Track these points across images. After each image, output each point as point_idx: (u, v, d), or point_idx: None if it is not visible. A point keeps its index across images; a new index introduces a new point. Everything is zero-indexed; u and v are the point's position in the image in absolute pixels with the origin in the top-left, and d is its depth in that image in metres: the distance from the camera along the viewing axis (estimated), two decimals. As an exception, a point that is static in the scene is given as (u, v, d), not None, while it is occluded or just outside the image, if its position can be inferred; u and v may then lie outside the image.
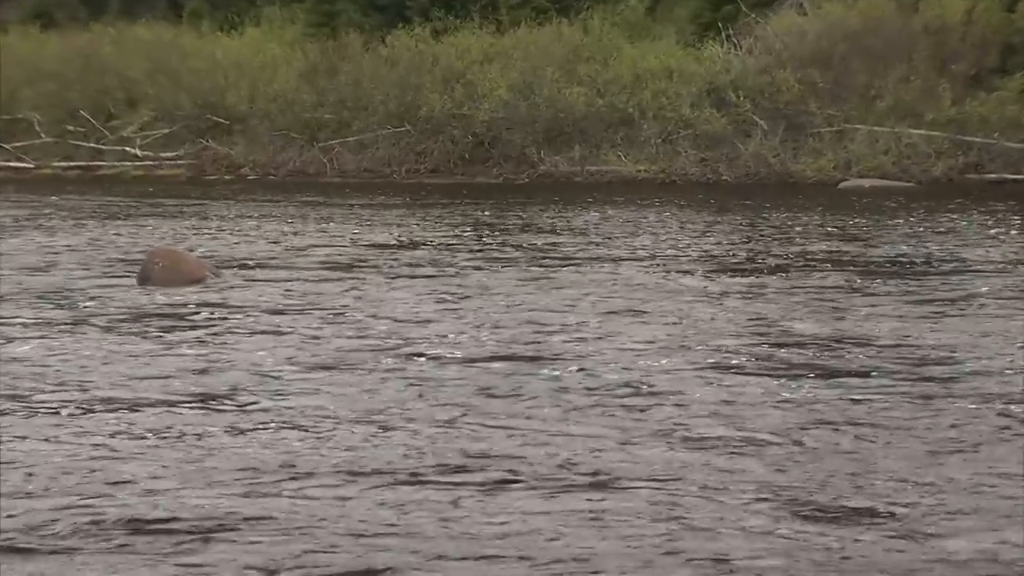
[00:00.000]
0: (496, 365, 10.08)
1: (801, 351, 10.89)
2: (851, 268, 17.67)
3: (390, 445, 7.44)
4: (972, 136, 37.44)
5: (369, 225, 24.21)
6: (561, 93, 40.01)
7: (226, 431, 7.79)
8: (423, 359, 10.24)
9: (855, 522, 6.01)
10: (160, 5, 52.52)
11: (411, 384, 9.22)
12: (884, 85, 38.46)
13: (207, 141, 42.93)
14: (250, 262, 17.89)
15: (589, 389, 9.10)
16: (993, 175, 36.65)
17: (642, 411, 8.46)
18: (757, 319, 12.85)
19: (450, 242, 20.66)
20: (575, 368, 9.91)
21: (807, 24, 40.92)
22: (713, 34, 42.16)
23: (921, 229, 23.33)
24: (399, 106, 41.29)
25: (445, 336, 11.48)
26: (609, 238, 22.43)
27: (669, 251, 20.34)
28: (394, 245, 20.47)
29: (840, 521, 6.04)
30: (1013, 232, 22.65)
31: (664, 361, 10.21)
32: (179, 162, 42.91)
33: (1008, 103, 37.31)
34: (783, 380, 9.43)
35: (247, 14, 49.36)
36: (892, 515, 6.09)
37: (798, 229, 23.52)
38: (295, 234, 22.49)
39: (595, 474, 6.84)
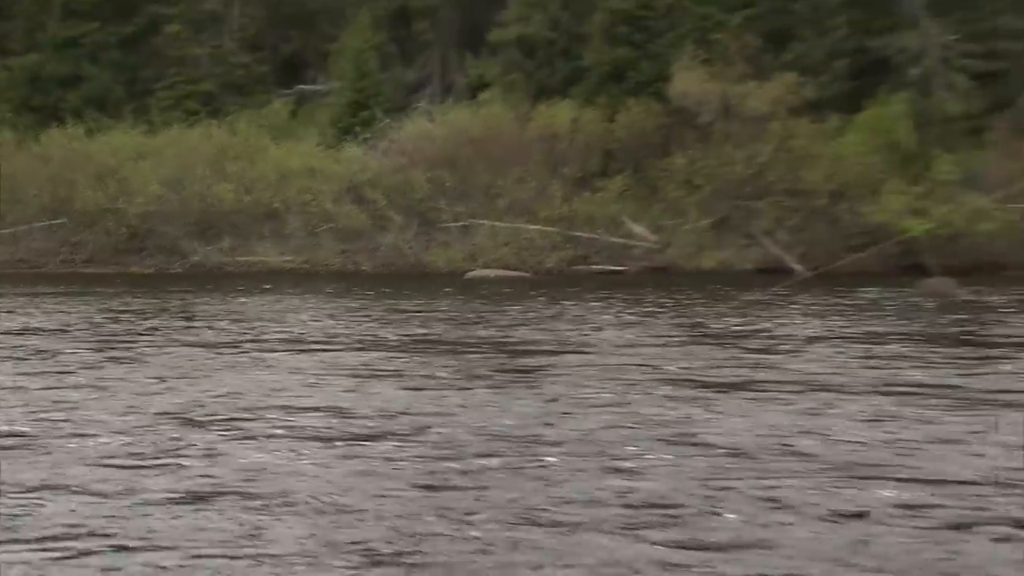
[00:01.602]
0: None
1: (332, 420, 10.63)
2: (445, 349, 17.61)
3: None
4: (580, 231, 38.26)
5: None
6: (211, 189, 39.89)
7: None
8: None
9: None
10: None
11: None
12: (504, 185, 39.24)
13: None
14: None
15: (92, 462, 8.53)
16: (597, 266, 37.74)
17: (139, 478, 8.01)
18: (316, 392, 12.44)
19: (74, 330, 19.62)
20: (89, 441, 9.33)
21: (436, 130, 41.74)
22: (351, 137, 42.76)
23: (529, 315, 23.50)
24: (53, 200, 40.24)
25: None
26: (233, 323, 21.78)
27: (281, 335, 19.91)
28: (13, 333, 19.11)
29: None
30: (605, 317, 23.04)
31: (180, 432, 9.88)
32: None
33: (610, 202, 38.43)
34: (299, 447, 9.21)
35: None
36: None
37: (419, 314, 23.59)
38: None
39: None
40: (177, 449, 9.16)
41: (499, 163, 39.89)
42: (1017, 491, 7.99)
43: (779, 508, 7.26)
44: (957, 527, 6.99)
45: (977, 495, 7.77)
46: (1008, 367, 15.05)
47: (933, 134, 38.84)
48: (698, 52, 39.50)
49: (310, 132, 44.38)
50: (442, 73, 48.94)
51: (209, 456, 8.90)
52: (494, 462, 8.68)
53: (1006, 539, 6.72)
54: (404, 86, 48.29)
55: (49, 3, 48.33)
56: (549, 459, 8.82)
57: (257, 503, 7.29)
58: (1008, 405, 11.76)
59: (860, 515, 6.92)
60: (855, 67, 41.10)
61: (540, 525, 6.80)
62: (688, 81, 39.13)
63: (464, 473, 8.31)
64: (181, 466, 8.41)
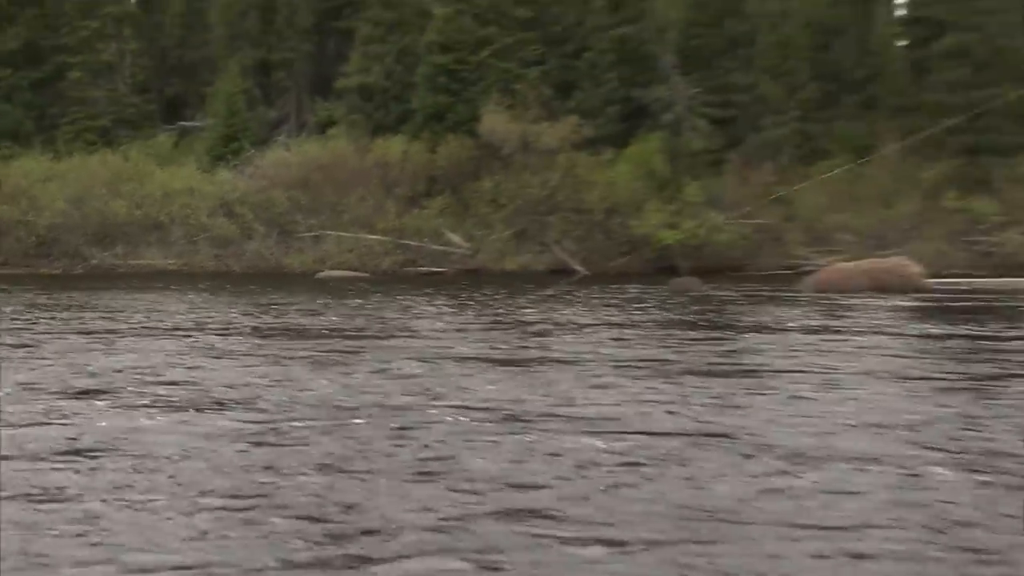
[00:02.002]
0: None
1: (188, 391, 10.26)
2: (292, 334, 17.11)
3: None
4: (409, 240, 38.33)
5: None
6: (107, 205, 38.99)
7: None
8: None
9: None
10: None
11: None
12: (347, 203, 39.04)
13: None
14: None
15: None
16: (423, 268, 37.71)
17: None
18: (179, 369, 11.86)
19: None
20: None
21: (292, 158, 41.55)
22: (224, 163, 42.17)
23: (365, 307, 23.00)
24: (-25, 214, 39.24)
25: None
26: (119, 314, 20.74)
27: (158, 323, 18.99)
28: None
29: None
30: (426, 308, 22.51)
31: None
32: None
33: (432, 217, 38.65)
34: (159, 413, 8.90)
35: None
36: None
37: (275, 307, 22.88)
38: None
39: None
40: (60, 414, 8.94)
41: (343, 185, 40.06)
42: (709, 443, 8.10)
43: (533, 455, 7.37)
44: (657, 468, 7.16)
45: (674, 444, 7.98)
46: (726, 346, 15.29)
47: (682, 165, 39.62)
48: (502, 99, 39.82)
49: (189, 159, 43.77)
50: (297, 113, 48.85)
51: (86, 421, 8.65)
52: (315, 424, 8.65)
53: (688, 479, 6.84)
54: (266, 123, 47.72)
55: (-32, 52, 47.27)
56: (357, 421, 8.81)
57: (125, 459, 7.18)
58: (708, 374, 11.96)
59: (591, 461, 7.00)
60: (623, 112, 41.94)
61: (349, 473, 6.79)
62: (494, 121, 39.42)
63: (289, 433, 8.29)
64: (62, 429, 8.21)
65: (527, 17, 43.50)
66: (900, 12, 48.77)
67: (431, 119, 41.72)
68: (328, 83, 47.26)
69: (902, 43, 47.08)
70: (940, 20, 41.54)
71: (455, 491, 6.30)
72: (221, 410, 9.36)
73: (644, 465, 7.28)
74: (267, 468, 6.77)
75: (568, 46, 43.59)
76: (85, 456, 7.38)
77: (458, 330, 17.79)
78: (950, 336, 17.01)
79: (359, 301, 24.58)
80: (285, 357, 13.45)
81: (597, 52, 42.54)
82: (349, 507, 5.94)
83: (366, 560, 5.33)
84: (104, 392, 10.40)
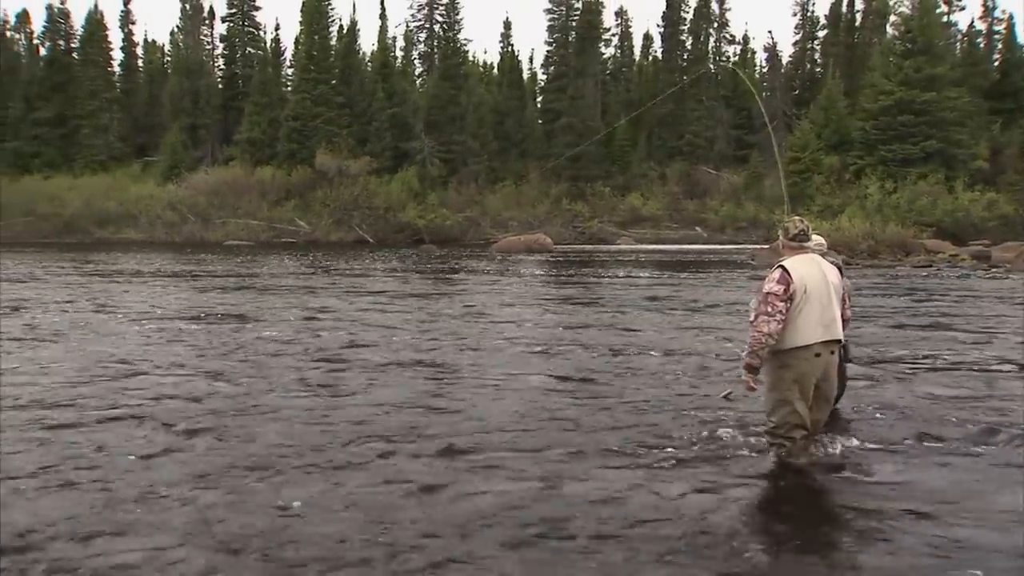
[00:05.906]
0: None
1: None
2: (164, 280, 17.25)
3: None
4: (276, 224, 46.74)
5: None
6: (104, 204, 47.50)
7: None
8: None
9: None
10: None
11: None
12: (241, 203, 47.40)
13: None
14: None
15: None
16: (284, 239, 45.17)
17: None
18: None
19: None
20: None
21: (209, 178, 49.71)
22: (171, 180, 50.11)
23: (241, 259, 24.27)
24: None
25: None
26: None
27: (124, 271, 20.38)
28: None
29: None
30: (276, 260, 24.64)
31: None
32: None
33: (289, 211, 46.94)
34: None
35: None
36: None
37: (194, 265, 23.58)
38: None
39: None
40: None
41: (239, 193, 49.43)
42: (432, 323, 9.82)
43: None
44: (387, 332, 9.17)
45: (401, 326, 9.61)
46: (448, 280, 17.56)
47: (427, 184, 49.98)
48: (328, 145, 50.03)
49: (150, 179, 53.60)
50: (212, 153, 57.41)
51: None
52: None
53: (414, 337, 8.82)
54: (194, 159, 56.31)
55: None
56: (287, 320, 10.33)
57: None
58: (435, 294, 13.62)
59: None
60: (395, 155, 52.41)
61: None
62: (324, 158, 49.49)
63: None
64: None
65: (341, 102, 54.11)
66: (539, 104, 60.06)
67: (288, 157, 51.21)
68: (230, 136, 56.48)
69: (540, 121, 58.40)
70: (559, 110, 54.24)
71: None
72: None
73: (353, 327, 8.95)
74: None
75: (364, 118, 54.18)
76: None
77: (305, 271, 21.23)
78: (565, 272, 21.27)
79: (245, 257, 29.31)
80: (176, 292, 14.90)
81: (380, 121, 53.29)
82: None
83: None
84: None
